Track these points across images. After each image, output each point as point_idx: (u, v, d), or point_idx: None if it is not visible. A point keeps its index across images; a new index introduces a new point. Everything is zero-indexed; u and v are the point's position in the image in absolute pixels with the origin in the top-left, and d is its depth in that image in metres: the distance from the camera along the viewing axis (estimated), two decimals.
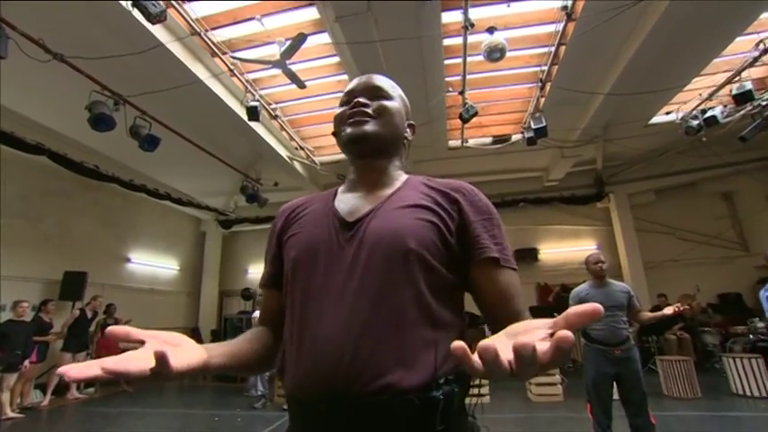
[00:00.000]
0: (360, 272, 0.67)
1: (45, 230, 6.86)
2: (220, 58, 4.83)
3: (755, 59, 5.01)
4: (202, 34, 4.45)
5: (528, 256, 9.19)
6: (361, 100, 0.84)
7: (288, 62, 4.83)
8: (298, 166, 7.80)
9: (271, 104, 6.13)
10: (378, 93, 0.86)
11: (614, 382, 2.96)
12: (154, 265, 9.11)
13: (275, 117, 6.11)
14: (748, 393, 4.85)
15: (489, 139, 7.34)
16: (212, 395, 6.88)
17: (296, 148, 7.25)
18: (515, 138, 7.04)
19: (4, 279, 6.00)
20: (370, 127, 0.81)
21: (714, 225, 8.88)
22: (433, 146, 7.20)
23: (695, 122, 6.12)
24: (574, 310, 0.42)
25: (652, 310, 7.55)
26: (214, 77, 5.10)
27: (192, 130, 6.39)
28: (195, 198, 9.15)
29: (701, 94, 5.94)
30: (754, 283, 7.92)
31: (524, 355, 0.39)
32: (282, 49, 4.49)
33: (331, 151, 7.84)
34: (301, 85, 5.18)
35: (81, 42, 4.22)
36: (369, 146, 0.82)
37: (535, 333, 0.45)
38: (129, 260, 8.50)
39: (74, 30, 4.20)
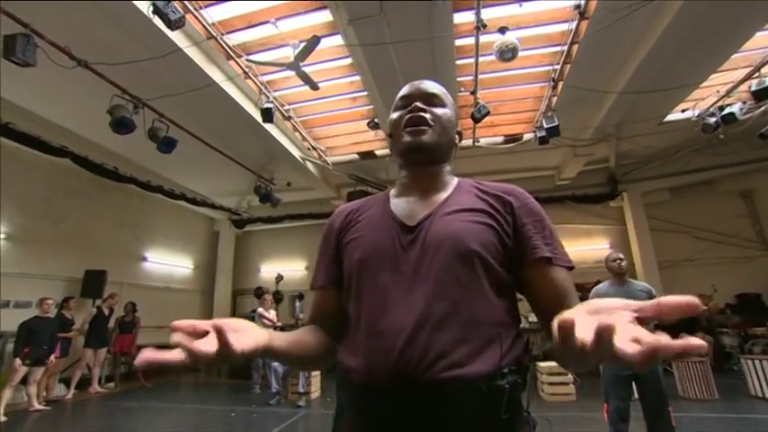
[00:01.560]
0: (426, 272, 0.71)
1: (67, 230, 7.08)
2: (236, 61, 4.92)
3: None
4: (218, 38, 4.54)
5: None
6: (420, 105, 0.87)
7: (301, 64, 4.92)
8: (310, 166, 7.89)
9: (284, 106, 6.22)
10: (433, 100, 0.89)
11: (633, 383, 2.92)
12: (169, 263, 9.31)
13: (288, 118, 6.19)
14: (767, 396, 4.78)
15: (501, 139, 7.32)
16: (227, 391, 7.03)
17: (308, 149, 7.34)
18: (527, 137, 7.01)
19: (30, 277, 6.23)
20: (428, 137, 0.84)
21: (732, 224, 8.71)
22: None
23: (712, 120, 6.02)
24: (668, 299, 0.39)
25: None
26: (229, 80, 5.20)
27: (208, 132, 6.53)
28: (209, 198, 9.32)
29: (718, 91, 5.85)
30: None
31: (605, 339, 0.38)
32: (296, 51, 4.57)
33: (343, 151, 7.92)
34: (314, 86, 5.25)
35: (102, 49, 4.36)
36: (426, 155, 0.86)
37: (620, 315, 0.42)
38: (145, 259, 8.71)
39: (96, 37, 4.33)
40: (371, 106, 6.25)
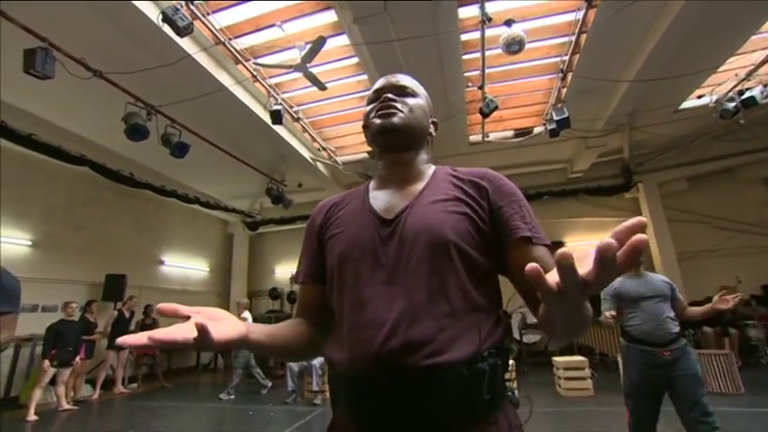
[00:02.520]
0: (405, 265, 0.73)
1: (87, 237, 7.31)
2: (243, 65, 5.00)
3: None
4: (226, 43, 4.62)
5: (554, 249, 9.01)
6: (390, 95, 0.90)
7: (308, 65, 4.96)
8: (320, 166, 7.96)
9: (293, 107, 6.28)
10: (404, 91, 0.92)
11: (664, 392, 2.42)
12: (185, 267, 9.51)
13: (297, 119, 6.26)
14: None
15: (511, 133, 7.25)
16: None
17: (318, 149, 7.40)
18: (537, 130, 6.92)
19: (55, 282, 6.46)
20: (398, 119, 0.87)
21: (755, 212, 8.44)
22: (455, 141, 7.19)
23: (731, 105, 5.84)
24: (621, 224, 0.41)
25: (690, 305, 7.34)
26: (238, 84, 5.29)
27: (219, 136, 6.64)
28: (222, 201, 9.49)
29: (737, 75, 5.67)
30: None
31: (608, 257, 0.40)
32: (303, 52, 4.61)
33: (353, 150, 7.96)
34: (322, 87, 5.30)
35: (116, 59, 4.49)
36: (397, 137, 0.88)
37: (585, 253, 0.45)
38: (162, 263, 8.92)
39: (109, 48, 4.46)
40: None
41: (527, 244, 0.76)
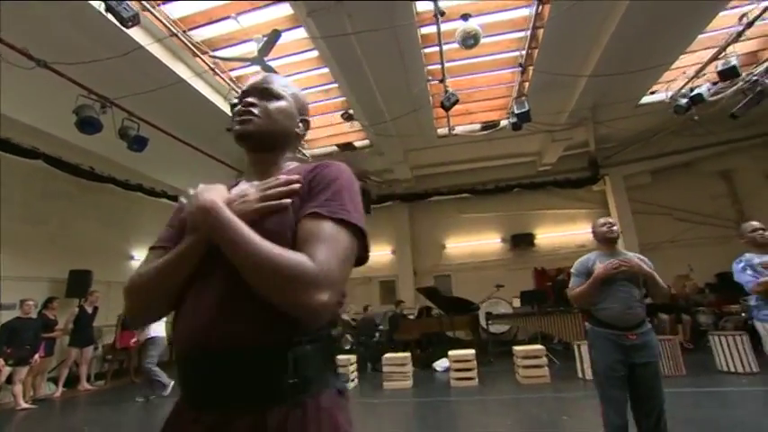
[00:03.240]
0: (224, 257, 0.75)
1: (50, 232, 7.13)
2: (200, 57, 4.93)
3: (740, 34, 4.92)
4: (180, 35, 4.55)
5: (524, 241, 9.23)
6: (250, 99, 0.92)
7: (267, 58, 4.93)
8: None
9: None
10: (267, 93, 0.94)
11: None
12: None
13: None
14: (732, 370, 4.90)
15: (478, 126, 7.34)
16: None
17: None
18: (504, 123, 7.03)
19: (13, 279, 6.29)
20: (252, 127, 0.89)
21: (712, 204, 8.79)
22: (423, 134, 7.25)
23: (683, 101, 6.04)
24: None
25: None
26: (197, 76, 5.21)
27: (182, 129, 6.53)
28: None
29: (684, 72, 5.86)
30: None
31: None
32: (259, 46, 4.57)
33: (322, 144, 7.94)
34: None
35: (66, 49, 4.36)
36: (253, 143, 0.91)
37: None
38: (132, 257, 8.78)
39: (56, 37, 4.33)
40: (344, 98, 6.26)
41: (308, 218, 0.75)
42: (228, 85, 5.48)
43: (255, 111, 0.90)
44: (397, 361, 5.82)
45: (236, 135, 0.91)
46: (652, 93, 6.51)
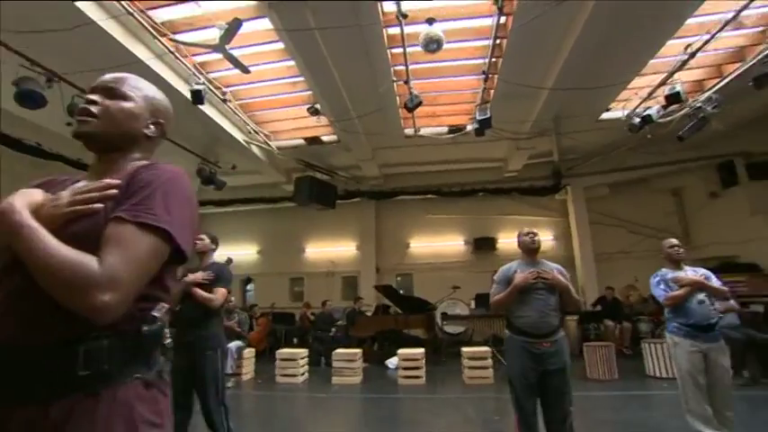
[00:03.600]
0: None
1: None
2: (159, 40, 4.79)
3: (684, 63, 5.19)
4: (137, 14, 4.40)
5: (486, 245, 9.44)
6: (92, 97, 0.91)
7: (230, 47, 4.84)
8: (255, 150, 7.81)
9: (222, 88, 6.10)
10: (112, 92, 0.93)
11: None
12: None
13: (225, 101, 6.09)
14: (658, 375, 5.23)
15: (445, 129, 7.45)
16: None
17: (249, 132, 7.25)
18: (469, 128, 7.15)
19: None
20: (89, 128, 0.89)
21: (662, 220, 9.26)
22: (390, 133, 7.30)
23: (637, 120, 6.33)
24: None
25: (599, 300, 7.97)
26: (158, 58, 5.06)
27: None
28: None
29: (636, 93, 6.14)
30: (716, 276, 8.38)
31: None
32: (221, 33, 4.48)
33: (288, 136, 7.87)
34: (244, 69, 5.19)
35: (9, 17, 4.15)
36: (89, 143, 0.91)
37: None
38: None
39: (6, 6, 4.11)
40: (310, 92, 6.22)
41: (112, 222, 0.75)
42: (191, 70, 5.33)
43: (94, 110, 0.90)
44: (347, 357, 5.88)
45: (73, 134, 0.90)
46: (608, 110, 6.77)
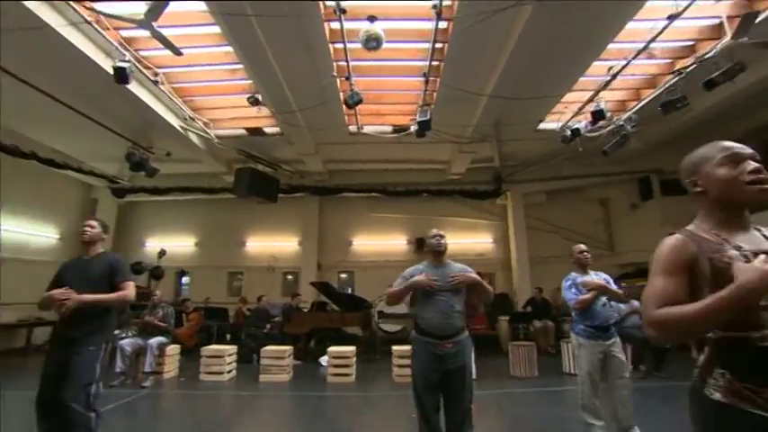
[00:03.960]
0: None
1: None
2: (73, 8, 4.38)
3: (607, 83, 5.60)
4: None
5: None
6: None
7: (160, 25, 4.54)
8: (193, 137, 7.42)
9: (154, 69, 5.71)
10: None
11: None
12: (24, 231, 8.25)
13: (156, 83, 5.71)
14: (573, 372, 5.57)
15: (389, 128, 7.48)
16: None
17: (185, 119, 6.86)
18: (413, 129, 7.24)
19: None
20: None
21: (592, 227, 9.94)
22: (333, 129, 7.22)
23: (568, 133, 6.73)
24: None
25: (529, 302, 8.38)
26: (72, 26, 4.62)
27: (65, 89, 5.83)
28: (84, 162, 8.41)
29: (567, 107, 6.53)
30: (614, 280, 9.09)
31: None
32: (146, 9, 4.19)
33: (230, 125, 7.55)
34: (176, 51, 4.88)
35: None
36: None
37: None
38: None
39: None
40: (251, 81, 6.00)
41: None
42: (113, 44, 4.93)
43: None
44: (276, 354, 5.74)
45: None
46: (540, 121, 7.15)
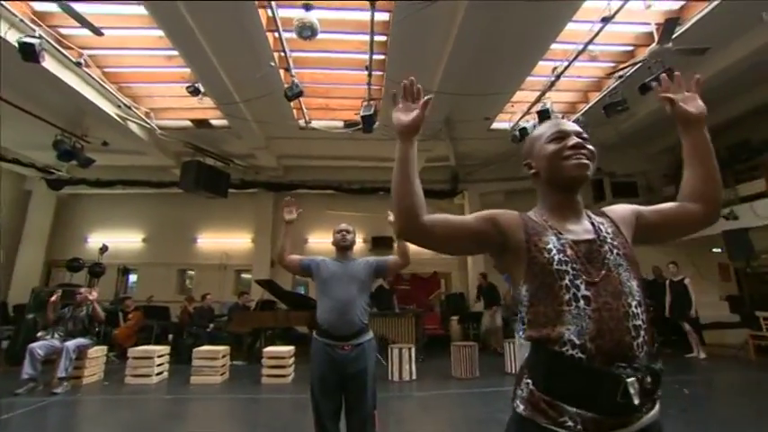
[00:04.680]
0: None
1: None
2: None
3: (552, 84, 5.61)
4: None
5: (384, 244, 9.51)
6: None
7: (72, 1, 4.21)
8: (134, 127, 7.01)
9: (76, 49, 5.32)
10: None
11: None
12: None
13: (79, 64, 5.31)
14: (515, 372, 5.58)
15: (341, 123, 7.30)
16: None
17: (119, 107, 6.46)
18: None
19: None
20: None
21: None
22: (281, 123, 6.97)
23: (516, 132, 6.74)
24: None
25: (477, 291, 8.31)
26: None
27: None
28: (13, 150, 7.84)
29: (513, 106, 6.53)
30: None
31: None
32: None
33: (174, 115, 7.19)
34: (96, 31, 4.55)
35: None
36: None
37: None
38: None
39: None
40: (189, 69, 5.69)
41: None
42: (18, 17, 4.53)
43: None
44: (208, 355, 5.49)
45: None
46: (486, 119, 7.14)
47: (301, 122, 6.99)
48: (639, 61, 4.95)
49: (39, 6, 4.88)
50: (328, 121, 7.19)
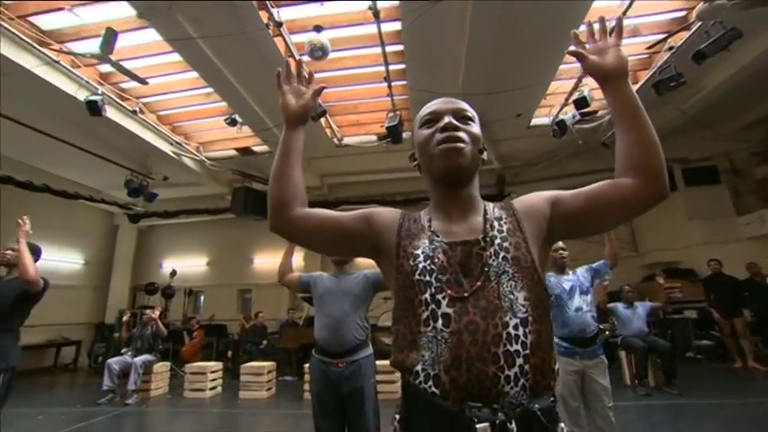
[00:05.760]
0: None
1: None
2: (38, 49, 4.73)
3: None
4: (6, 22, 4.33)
5: None
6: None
7: (121, 58, 4.81)
8: (188, 161, 7.75)
9: (133, 99, 6.06)
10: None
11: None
12: (54, 259, 8.98)
13: (135, 112, 6.02)
14: None
15: (374, 138, 7.35)
16: (78, 391, 6.87)
17: (171, 144, 7.17)
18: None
19: None
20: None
21: None
22: (318, 143, 7.20)
23: (556, 126, 6.23)
24: None
25: None
26: (47, 66, 4.99)
27: (71, 128, 6.34)
28: (103, 191, 9.06)
29: (546, 98, 6.05)
30: (642, 279, 8.26)
31: None
32: (99, 43, 4.44)
33: (221, 147, 7.81)
34: (141, 81, 5.15)
35: None
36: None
37: None
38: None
39: None
40: (225, 103, 6.17)
41: None
42: (83, 79, 5.28)
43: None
44: (255, 370, 5.72)
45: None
46: (519, 115, 6.68)
47: (335, 140, 7.17)
48: (683, 27, 4.32)
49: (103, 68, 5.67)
50: (362, 136, 7.29)
